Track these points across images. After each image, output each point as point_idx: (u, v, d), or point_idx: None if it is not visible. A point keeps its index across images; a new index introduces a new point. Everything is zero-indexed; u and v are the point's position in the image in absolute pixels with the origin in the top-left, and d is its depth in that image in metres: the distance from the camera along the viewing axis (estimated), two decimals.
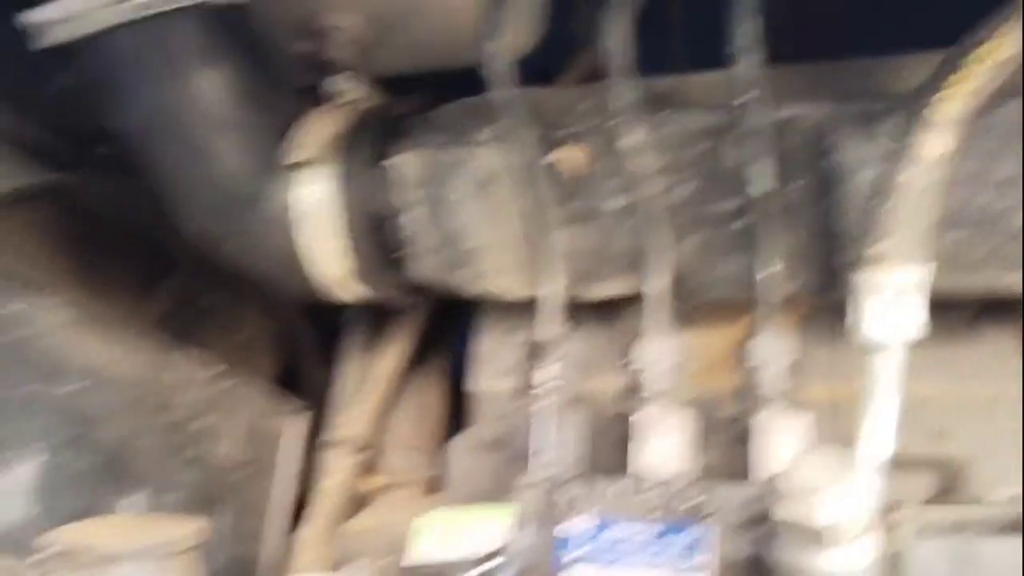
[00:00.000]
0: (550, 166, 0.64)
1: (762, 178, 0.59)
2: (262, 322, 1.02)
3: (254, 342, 1.01)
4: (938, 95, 0.51)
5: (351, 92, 0.75)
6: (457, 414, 0.82)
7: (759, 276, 0.63)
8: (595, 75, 0.75)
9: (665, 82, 0.65)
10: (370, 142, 0.70)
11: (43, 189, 0.89)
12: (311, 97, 0.75)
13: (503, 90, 0.61)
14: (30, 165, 0.88)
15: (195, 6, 0.69)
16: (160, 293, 0.95)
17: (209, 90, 0.71)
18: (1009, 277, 0.59)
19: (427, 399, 0.91)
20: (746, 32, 0.55)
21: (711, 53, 0.62)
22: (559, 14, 0.85)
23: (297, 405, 0.88)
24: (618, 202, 0.65)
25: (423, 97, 0.78)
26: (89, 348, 0.77)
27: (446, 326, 0.89)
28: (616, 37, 0.58)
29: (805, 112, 0.59)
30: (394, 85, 0.83)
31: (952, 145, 0.51)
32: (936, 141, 0.51)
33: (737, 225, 0.63)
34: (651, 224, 0.63)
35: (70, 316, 0.77)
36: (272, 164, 0.72)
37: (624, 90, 0.59)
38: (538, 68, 0.80)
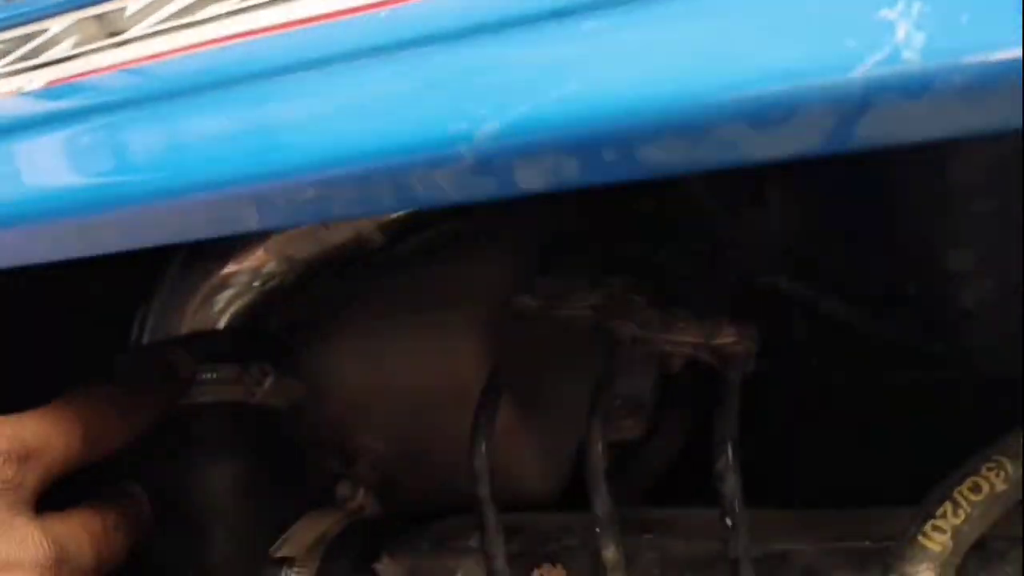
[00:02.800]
0: None
1: None
2: None
3: None
4: (927, 525, 0.47)
5: (352, 500, 0.74)
6: None
7: None
8: None
9: (652, 513, 0.62)
10: (355, 547, 0.68)
11: None
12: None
13: (489, 509, 0.59)
14: None
15: (232, 403, 0.73)
16: None
17: (219, 481, 0.72)
18: None
19: None
20: (727, 453, 0.54)
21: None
22: None
23: None
24: None
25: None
26: None
27: None
28: (595, 469, 0.58)
29: (798, 548, 0.55)
30: None
31: None
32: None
33: None
34: None
35: None
36: (259, 565, 0.70)
37: (606, 514, 0.56)
38: None
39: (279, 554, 0.68)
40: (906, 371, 0.81)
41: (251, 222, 0.40)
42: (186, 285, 0.76)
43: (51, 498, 0.56)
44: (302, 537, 0.69)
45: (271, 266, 0.75)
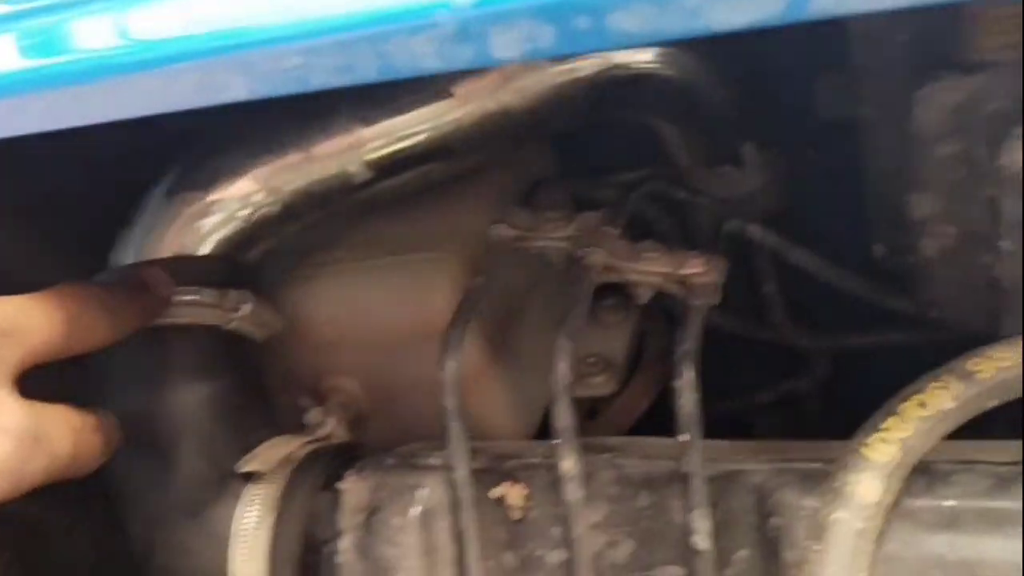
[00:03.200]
0: (493, 502, 0.62)
1: (702, 533, 0.55)
2: None
3: None
4: (873, 437, 0.49)
5: (322, 426, 0.76)
6: None
7: None
8: None
9: (612, 439, 0.64)
10: (321, 467, 0.69)
11: None
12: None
13: (454, 420, 0.61)
14: None
15: (209, 326, 0.74)
16: None
17: (193, 403, 0.73)
18: None
19: None
20: (686, 370, 0.56)
21: None
22: None
23: None
24: (557, 556, 0.60)
25: None
26: None
27: None
28: (559, 381, 0.59)
29: (749, 468, 0.57)
30: None
31: (889, 494, 0.48)
32: (870, 484, 0.48)
33: None
34: None
35: None
36: (226, 481, 0.71)
37: (566, 426, 0.58)
38: None
39: (245, 469, 0.69)
40: (872, 334, 0.83)
41: (238, 91, 0.41)
42: (169, 210, 0.77)
43: None
44: (269, 455, 0.70)
45: (257, 197, 0.77)
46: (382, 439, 0.85)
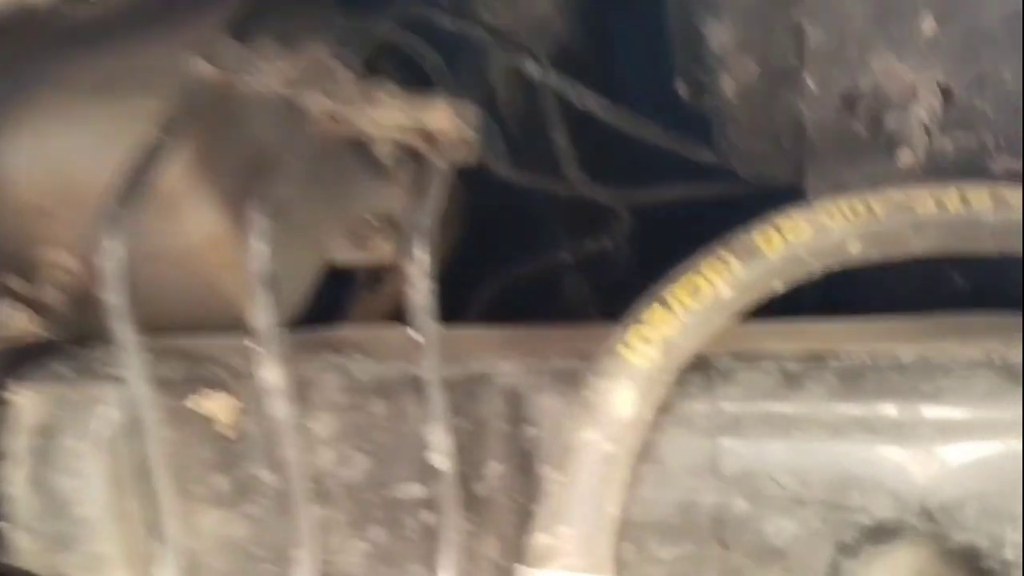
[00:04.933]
0: (196, 416, 0.50)
1: (440, 450, 0.45)
2: None
3: None
4: (633, 333, 0.38)
5: (10, 325, 0.61)
6: None
7: None
8: None
9: (345, 333, 0.52)
10: None
11: None
12: None
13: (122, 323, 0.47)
14: None
15: None
16: None
17: None
18: None
19: None
20: (418, 251, 0.44)
21: None
22: None
23: None
24: (274, 479, 0.49)
25: None
26: None
27: None
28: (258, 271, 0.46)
29: (499, 370, 0.46)
30: None
31: (648, 407, 0.38)
32: (625, 395, 0.38)
33: (421, 520, 0.47)
34: (306, 513, 0.47)
35: None
36: None
37: (266, 328, 0.45)
38: None
39: None
40: (674, 188, 0.73)
41: None
42: None
43: None
44: None
45: None
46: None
